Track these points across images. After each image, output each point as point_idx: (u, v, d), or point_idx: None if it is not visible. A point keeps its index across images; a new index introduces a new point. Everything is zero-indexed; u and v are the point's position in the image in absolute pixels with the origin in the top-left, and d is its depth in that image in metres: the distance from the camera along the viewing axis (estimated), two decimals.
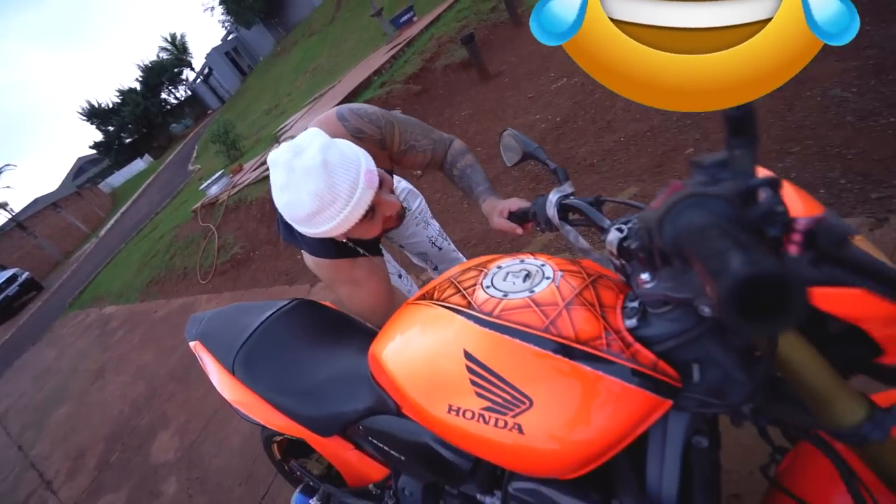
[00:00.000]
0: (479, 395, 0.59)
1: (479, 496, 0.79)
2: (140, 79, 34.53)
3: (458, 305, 0.68)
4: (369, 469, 1.09)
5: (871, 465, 0.50)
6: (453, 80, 5.64)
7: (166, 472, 2.57)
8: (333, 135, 0.96)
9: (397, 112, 1.15)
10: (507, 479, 0.71)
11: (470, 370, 0.61)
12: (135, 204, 18.35)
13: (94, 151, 35.25)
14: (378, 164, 0.90)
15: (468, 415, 0.60)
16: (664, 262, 0.50)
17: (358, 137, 1.01)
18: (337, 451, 1.08)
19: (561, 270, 0.68)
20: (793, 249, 0.42)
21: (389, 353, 0.74)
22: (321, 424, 0.98)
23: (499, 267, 0.74)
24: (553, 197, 0.79)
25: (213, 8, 35.66)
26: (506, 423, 0.57)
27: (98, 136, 33.82)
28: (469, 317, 0.65)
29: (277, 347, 1.07)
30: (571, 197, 0.79)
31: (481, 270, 0.75)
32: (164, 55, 35.57)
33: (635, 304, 0.60)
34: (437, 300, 0.72)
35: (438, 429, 0.66)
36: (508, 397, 0.58)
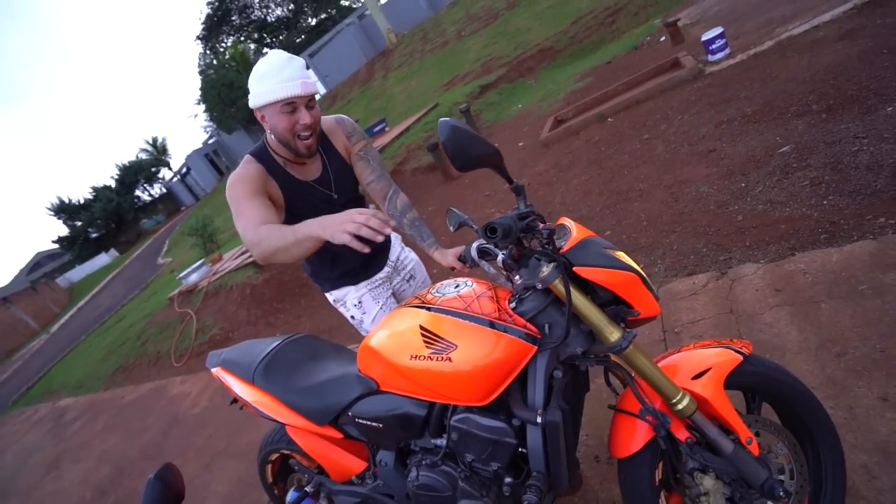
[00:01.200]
0: (427, 346, 1.03)
1: (433, 441, 1.16)
2: (116, 177, 35.44)
3: (422, 302, 1.14)
4: (351, 463, 1.43)
5: (629, 366, 0.97)
6: (420, 180, 6.48)
7: None
8: (327, 122, 1.45)
9: (371, 144, 1.55)
10: (448, 416, 1.11)
11: (423, 335, 1.05)
12: (95, 298, 17.87)
13: (56, 246, 34.59)
14: (345, 156, 1.44)
15: (421, 358, 1.03)
16: (519, 264, 1.00)
17: (342, 126, 1.48)
18: (325, 443, 1.41)
19: (475, 282, 1.17)
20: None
21: (376, 339, 1.17)
22: (320, 414, 1.33)
23: (442, 283, 1.22)
24: (474, 245, 1.29)
25: (196, 115, 38.24)
26: (442, 357, 1.01)
27: (63, 231, 33.40)
28: (421, 307, 1.11)
29: (288, 362, 1.45)
30: (483, 244, 1.30)
31: (430, 288, 1.22)
32: (143, 155, 37.03)
33: (515, 297, 1.08)
34: (407, 305, 1.18)
35: (405, 375, 1.07)
36: (444, 345, 1.02)
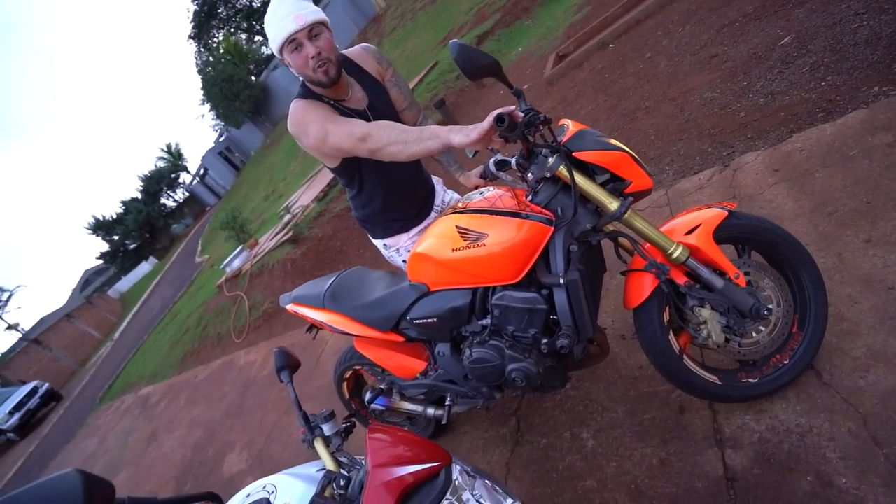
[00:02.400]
0: (463, 238, 1.26)
1: (479, 323, 1.42)
2: (140, 188, 36.67)
3: (452, 211, 1.37)
4: (413, 364, 1.71)
5: (630, 229, 1.18)
6: None
7: (241, 478, 3.05)
8: (357, 53, 1.50)
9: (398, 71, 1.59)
10: (490, 298, 1.36)
11: (459, 231, 1.28)
12: (146, 303, 19.04)
13: (100, 262, 36.54)
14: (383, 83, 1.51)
15: (461, 249, 1.27)
16: (529, 161, 1.21)
17: (370, 52, 1.53)
18: (390, 350, 1.70)
19: (496, 187, 1.38)
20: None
21: (421, 246, 1.41)
22: (383, 321, 1.61)
23: (469, 194, 1.44)
24: (491, 161, 1.50)
25: (203, 115, 38.65)
26: (477, 245, 1.24)
27: (104, 247, 35.21)
28: (456, 211, 1.34)
29: (350, 286, 1.72)
30: (498, 158, 1.50)
31: (461, 197, 1.44)
32: (161, 164, 38.04)
33: (531, 191, 1.29)
34: (443, 215, 1.41)
35: (450, 267, 1.32)
36: (477, 235, 1.25)
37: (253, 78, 25.88)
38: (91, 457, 6.54)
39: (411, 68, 12.17)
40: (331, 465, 0.96)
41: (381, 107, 1.50)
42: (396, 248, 1.78)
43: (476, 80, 1.18)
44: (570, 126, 1.22)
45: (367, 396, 1.84)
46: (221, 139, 33.15)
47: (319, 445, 1.01)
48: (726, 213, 1.20)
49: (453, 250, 1.28)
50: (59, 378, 19.21)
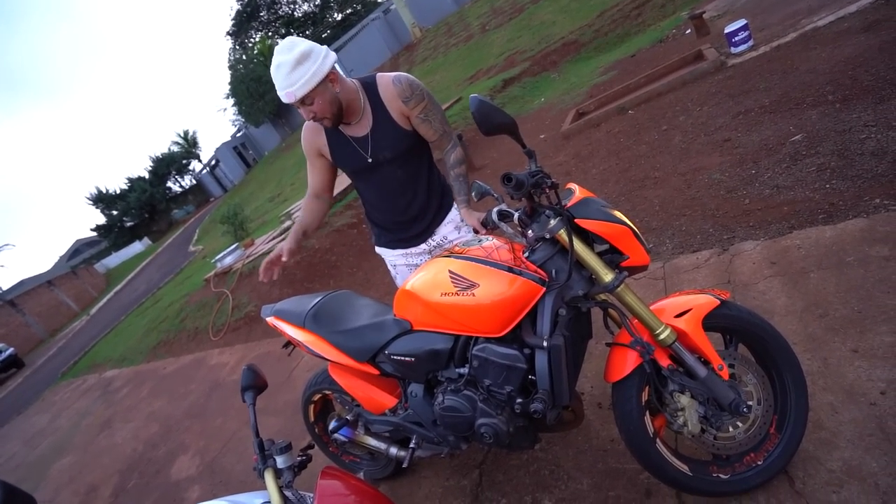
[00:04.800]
0: (454, 284, 1.25)
1: (457, 370, 1.39)
2: (150, 168, 36.88)
3: (448, 254, 1.37)
4: (384, 398, 1.67)
5: (621, 303, 1.17)
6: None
7: (188, 484, 2.92)
8: (385, 83, 1.52)
9: (434, 98, 1.58)
10: (471, 348, 1.33)
11: (451, 276, 1.28)
12: (131, 283, 18.78)
13: (94, 234, 36.28)
14: (398, 119, 1.53)
15: (450, 294, 1.25)
16: (531, 219, 1.21)
17: (398, 88, 1.52)
18: (363, 381, 1.66)
19: (495, 238, 1.39)
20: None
21: (412, 283, 1.40)
22: (361, 352, 1.57)
23: (467, 240, 1.44)
24: (495, 210, 1.50)
25: (225, 109, 39.32)
26: (466, 293, 1.23)
27: (101, 220, 35.00)
28: (450, 256, 1.34)
29: (333, 310, 1.69)
30: (502, 209, 1.51)
31: (459, 241, 1.44)
32: (175, 148, 38.40)
33: (528, 248, 1.29)
34: (439, 256, 1.41)
35: (436, 310, 1.30)
36: (467, 284, 1.24)
37: None
38: (39, 433, 6.28)
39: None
40: (276, 501, 0.92)
41: (381, 137, 1.55)
42: (383, 258, 1.90)
43: (490, 135, 1.20)
44: (577, 191, 1.23)
45: (332, 425, 1.79)
46: (238, 134, 33.61)
47: (269, 477, 0.97)
48: (718, 301, 1.20)
49: (442, 294, 1.27)
50: (26, 345, 18.71)
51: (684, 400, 1.17)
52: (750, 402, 1.20)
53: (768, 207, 2.38)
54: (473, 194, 1.64)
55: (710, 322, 1.21)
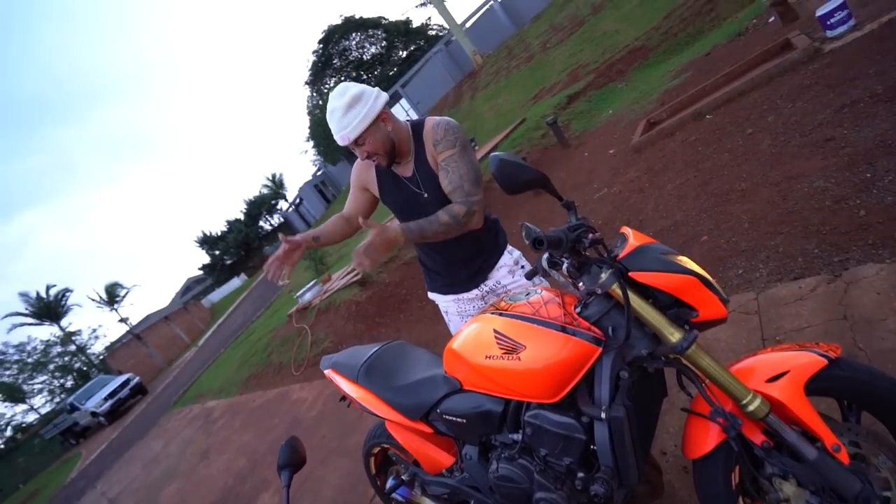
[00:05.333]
0: (499, 346, 1.15)
1: (510, 436, 1.26)
2: (244, 210, 40.94)
3: (495, 310, 1.27)
4: (441, 457, 1.58)
5: (694, 367, 0.99)
6: (509, 195, 6.58)
7: None
8: (428, 126, 1.49)
9: (468, 152, 1.48)
10: (523, 413, 1.21)
11: (496, 337, 1.17)
12: (231, 316, 20.67)
13: (201, 272, 40.80)
14: (432, 163, 1.49)
15: (494, 357, 1.15)
16: (581, 272, 1.08)
17: (433, 133, 1.49)
18: (418, 438, 1.58)
19: (544, 290, 1.26)
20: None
21: (457, 343, 1.31)
22: (412, 410, 1.51)
23: (515, 292, 1.33)
24: (544, 257, 1.38)
25: (306, 151, 42.70)
26: (512, 357, 1.11)
27: (206, 259, 39.36)
28: (495, 314, 1.23)
29: (386, 364, 1.66)
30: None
31: (504, 296, 1.34)
32: (265, 190, 42.34)
33: (581, 302, 1.15)
34: (484, 312, 1.31)
35: (482, 373, 1.20)
36: (513, 346, 1.13)
37: None
38: (154, 459, 6.98)
39: (500, 123, 12.51)
40: None
41: (422, 179, 1.54)
42: (437, 303, 1.84)
43: (515, 194, 1.10)
44: (631, 237, 1.08)
45: (389, 484, 1.73)
46: (318, 173, 36.21)
47: None
48: (825, 361, 0.96)
49: (486, 357, 1.17)
50: (149, 374, 21.22)
51: (789, 489, 0.94)
52: (886, 493, 0.94)
53: (892, 220, 1.98)
54: (525, 238, 1.54)
55: (817, 385, 0.97)
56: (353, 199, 1.72)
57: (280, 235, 1.55)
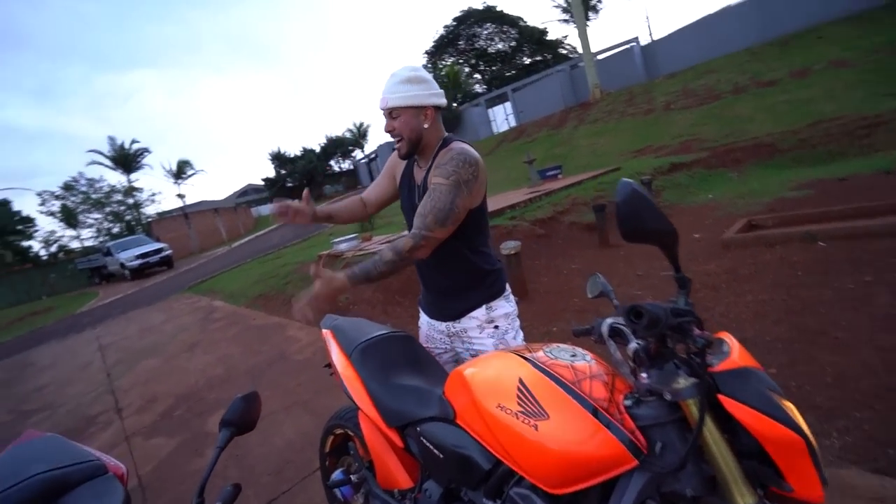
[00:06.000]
0: (518, 402, 0.94)
1: (484, 500, 1.06)
2: (322, 144, 42.29)
3: (526, 356, 1.06)
4: (400, 475, 1.39)
5: None
6: (575, 236, 6.27)
7: (214, 441, 2.95)
8: (447, 148, 1.41)
9: (457, 191, 1.32)
10: (510, 485, 1.00)
11: (518, 389, 0.97)
12: (269, 233, 21.42)
13: (262, 183, 42.58)
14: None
15: (508, 412, 0.94)
16: (652, 362, 0.86)
17: (440, 155, 1.42)
18: (385, 445, 1.41)
19: (595, 360, 1.04)
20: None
21: (471, 370, 1.12)
22: (392, 415, 1.33)
23: (559, 346, 1.11)
24: (608, 321, 1.15)
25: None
26: (528, 421, 0.91)
27: (271, 174, 40.94)
28: (529, 360, 1.03)
29: (385, 353, 1.49)
30: (617, 323, 1.15)
31: (547, 344, 1.12)
32: (347, 134, 43.51)
33: (634, 395, 0.93)
34: (516, 352, 1.11)
35: (486, 420, 1.00)
36: (535, 409, 0.92)
37: (454, 105, 28.35)
38: (149, 329, 7.26)
39: (592, 162, 12.08)
40: None
41: (423, 192, 1.47)
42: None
43: (632, 241, 0.89)
44: (734, 352, 0.84)
45: (336, 476, 1.58)
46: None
47: None
48: None
49: (498, 406, 0.97)
50: (180, 252, 22.36)
51: None
52: None
53: None
54: (589, 290, 1.32)
55: None
56: (378, 185, 1.71)
57: (274, 201, 1.57)
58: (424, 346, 1.71)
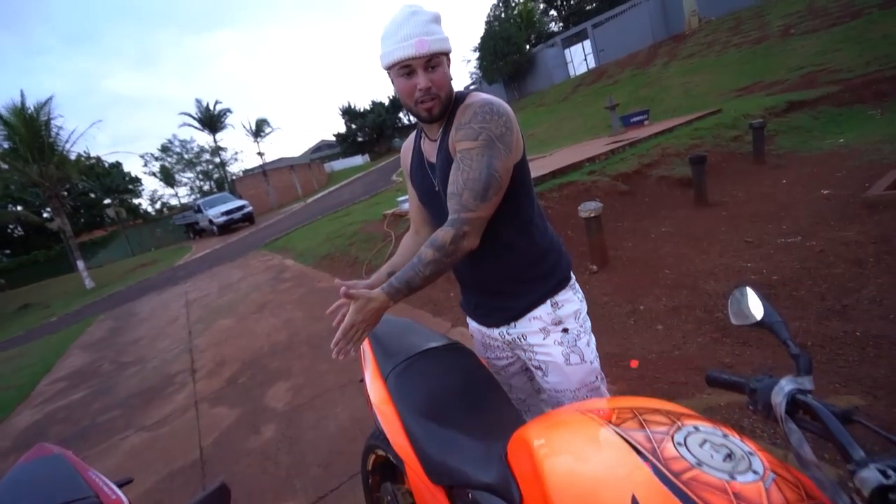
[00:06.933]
0: None
1: None
2: (391, 97, 41.85)
3: (642, 447, 0.63)
4: None
5: None
6: (665, 193, 5.43)
7: (270, 417, 2.89)
8: (467, 102, 1.07)
9: (492, 152, 1.01)
10: None
11: None
12: (340, 188, 21.89)
13: (333, 139, 43.53)
14: (452, 151, 1.07)
15: None
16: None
17: (462, 112, 1.06)
18: (429, 495, 1.07)
19: (773, 472, 0.59)
20: None
21: (546, 451, 0.72)
22: (436, 470, 0.99)
23: (696, 428, 0.67)
24: (787, 386, 0.68)
25: (469, 61, 41.48)
26: None
27: (342, 129, 41.57)
28: (652, 466, 0.60)
29: (429, 377, 1.13)
30: (810, 395, 0.67)
31: (674, 421, 0.68)
32: None
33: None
34: (617, 426, 0.68)
35: None
36: None
37: (528, 47, 26.30)
38: (228, 286, 7.65)
39: (685, 104, 10.54)
40: None
41: (441, 164, 1.12)
42: None
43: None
44: None
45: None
46: (472, 87, 35.26)
47: None
48: None
49: None
50: (260, 208, 23.72)
51: None
52: None
53: None
54: (730, 310, 0.87)
55: None
56: (413, 198, 1.34)
57: (337, 282, 1.08)
58: (483, 356, 1.34)
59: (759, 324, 0.81)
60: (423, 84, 1.03)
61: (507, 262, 1.14)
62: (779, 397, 0.68)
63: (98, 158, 29.96)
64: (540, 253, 1.16)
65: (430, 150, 1.16)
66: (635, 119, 8.68)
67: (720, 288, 3.13)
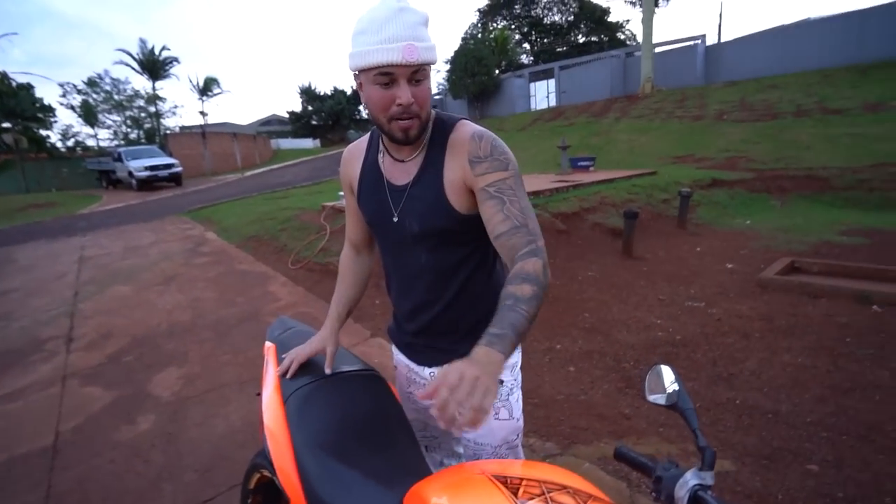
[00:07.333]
0: None
1: None
2: (354, 88, 40.99)
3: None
4: None
5: None
6: (597, 239, 5.74)
7: (151, 407, 2.60)
8: (463, 131, 0.98)
9: (519, 175, 0.97)
10: None
11: None
12: (284, 169, 20.89)
13: (286, 115, 41.63)
14: (450, 186, 0.96)
15: None
16: None
17: (471, 145, 0.96)
18: None
19: None
20: None
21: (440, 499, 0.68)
22: None
23: (568, 492, 0.66)
24: (691, 480, 0.70)
25: (438, 71, 41.87)
26: None
27: (297, 108, 39.90)
28: None
29: (334, 407, 1.05)
30: (710, 492, 0.69)
31: (584, 502, 0.67)
32: None
33: None
34: (521, 499, 0.66)
35: None
36: None
37: (497, 72, 27.03)
38: (134, 249, 6.93)
39: (628, 159, 11.34)
40: None
41: (417, 196, 0.99)
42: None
43: None
44: None
45: None
46: (436, 97, 35.49)
47: None
48: None
49: None
50: (191, 171, 21.95)
51: None
52: None
53: None
54: (646, 387, 0.88)
55: None
56: (351, 213, 1.20)
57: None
58: (404, 391, 1.26)
59: (672, 407, 0.83)
60: (406, 99, 0.88)
61: (462, 303, 1.06)
62: (682, 491, 0.70)
63: (4, 74, 26.20)
64: (491, 299, 1.04)
65: (397, 173, 1.02)
66: (583, 163, 9.16)
67: (631, 339, 3.32)
